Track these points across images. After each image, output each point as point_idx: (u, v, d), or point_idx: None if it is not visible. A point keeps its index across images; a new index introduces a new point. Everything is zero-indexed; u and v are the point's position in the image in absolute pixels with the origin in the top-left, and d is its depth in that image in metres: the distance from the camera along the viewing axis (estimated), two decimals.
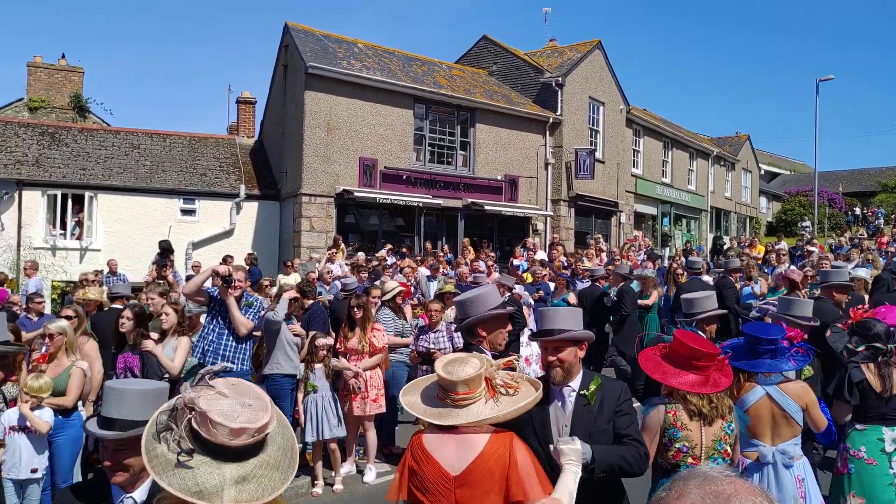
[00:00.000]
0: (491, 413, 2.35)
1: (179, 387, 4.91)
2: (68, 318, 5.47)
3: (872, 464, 3.68)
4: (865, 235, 23.36)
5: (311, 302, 7.51)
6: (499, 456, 2.34)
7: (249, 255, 13.71)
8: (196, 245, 15.56)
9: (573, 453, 2.40)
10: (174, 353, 5.47)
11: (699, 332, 3.79)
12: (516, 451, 2.36)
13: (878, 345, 3.83)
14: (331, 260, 12.80)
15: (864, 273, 8.85)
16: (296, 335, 6.42)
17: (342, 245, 14.11)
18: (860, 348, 3.87)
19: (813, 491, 3.42)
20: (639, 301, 9.09)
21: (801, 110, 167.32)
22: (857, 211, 33.29)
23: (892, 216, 29.73)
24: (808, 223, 27.61)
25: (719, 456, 2.97)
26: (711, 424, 2.98)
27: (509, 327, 3.22)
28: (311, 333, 6.47)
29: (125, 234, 15.12)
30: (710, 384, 2.91)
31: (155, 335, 5.61)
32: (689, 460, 2.94)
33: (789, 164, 49.30)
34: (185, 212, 15.89)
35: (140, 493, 2.10)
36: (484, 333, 3.08)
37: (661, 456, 3.03)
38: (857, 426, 3.80)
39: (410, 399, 2.52)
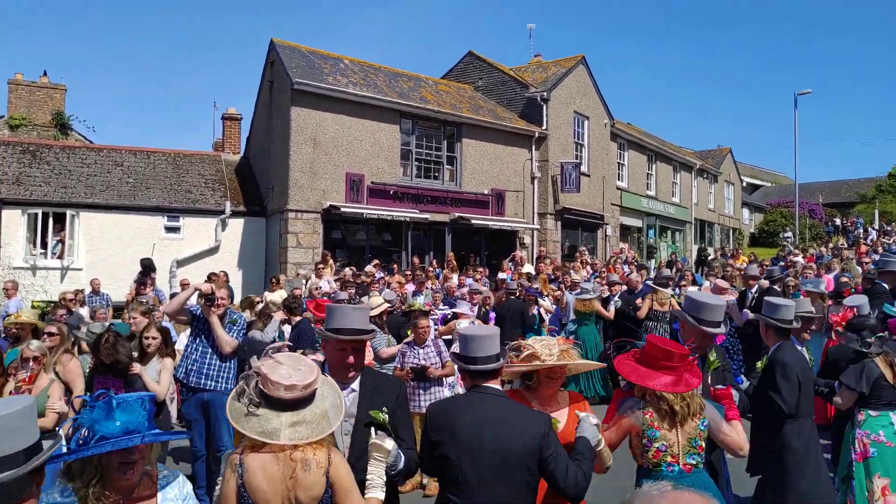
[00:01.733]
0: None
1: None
2: (50, 334, 5.35)
3: (891, 445, 4.03)
4: (846, 245, 23.67)
5: (297, 318, 7.41)
6: None
7: (222, 272, 13.44)
8: (181, 263, 15.37)
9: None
10: (158, 374, 5.35)
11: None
12: None
13: (882, 335, 4.25)
14: (319, 276, 12.70)
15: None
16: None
17: (330, 261, 14.01)
18: (871, 339, 4.20)
19: None
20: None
21: (781, 123, 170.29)
22: (837, 221, 33.76)
23: (871, 226, 30.18)
24: (789, 234, 27.97)
25: (695, 452, 3.12)
26: (684, 423, 3.11)
27: None
28: (300, 351, 6.37)
29: (108, 253, 14.90)
30: (682, 384, 3.07)
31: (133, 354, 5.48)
32: (669, 458, 3.07)
33: (770, 176, 49.98)
34: (169, 229, 15.71)
35: None
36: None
37: (642, 457, 3.15)
38: (871, 413, 4.13)
39: None
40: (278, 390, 2.33)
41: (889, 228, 28.98)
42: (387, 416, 2.69)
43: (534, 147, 18.95)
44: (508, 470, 2.59)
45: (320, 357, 6.28)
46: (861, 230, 30.03)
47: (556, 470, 2.59)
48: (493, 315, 9.84)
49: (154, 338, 5.51)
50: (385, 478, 2.51)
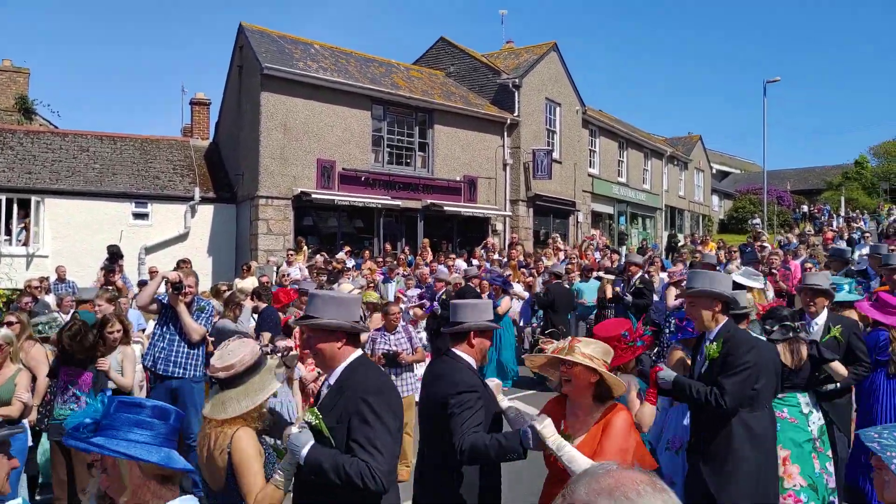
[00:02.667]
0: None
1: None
2: (9, 324, 5.31)
3: (794, 422, 4.34)
4: (812, 232, 24.28)
5: (263, 305, 7.44)
6: None
7: (187, 259, 13.31)
8: (149, 250, 15.19)
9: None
10: (119, 365, 5.34)
11: None
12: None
13: (787, 324, 4.50)
14: (290, 263, 12.67)
15: (755, 283, 8.84)
16: None
17: (304, 247, 13.97)
18: (775, 328, 4.49)
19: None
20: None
21: (751, 111, 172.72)
22: (805, 208, 34.55)
23: (838, 212, 31.00)
24: (758, 220, 28.55)
25: None
26: None
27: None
28: (269, 336, 6.41)
29: (74, 240, 14.66)
30: None
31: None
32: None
33: (739, 163, 50.83)
34: (137, 216, 15.49)
35: None
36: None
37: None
38: (778, 395, 4.33)
39: None
40: (209, 371, 2.78)
41: (854, 215, 29.80)
42: (315, 418, 2.50)
43: (506, 134, 19.03)
44: (429, 415, 3.07)
45: (290, 342, 6.36)
46: (827, 217, 30.84)
47: (452, 427, 2.83)
48: (434, 305, 9.92)
49: (119, 331, 5.49)
50: (292, 469, 2.50)
